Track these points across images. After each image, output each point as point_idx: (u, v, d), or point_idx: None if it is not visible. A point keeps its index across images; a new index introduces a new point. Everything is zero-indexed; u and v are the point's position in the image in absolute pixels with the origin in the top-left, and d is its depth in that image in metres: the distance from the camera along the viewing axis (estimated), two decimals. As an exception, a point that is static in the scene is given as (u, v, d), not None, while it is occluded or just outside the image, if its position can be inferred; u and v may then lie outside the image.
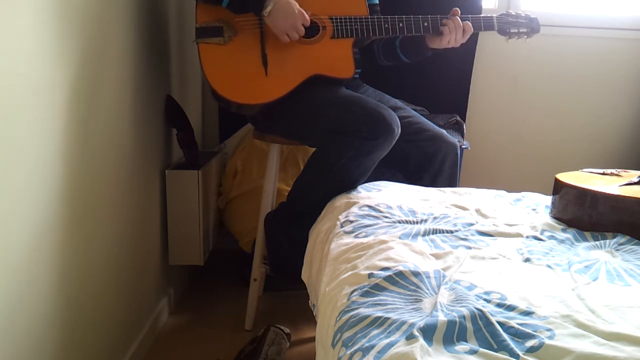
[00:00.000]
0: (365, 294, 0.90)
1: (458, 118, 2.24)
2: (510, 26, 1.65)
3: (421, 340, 0.74)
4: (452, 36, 1.58)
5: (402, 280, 0.93)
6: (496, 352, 0.74)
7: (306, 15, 1.50)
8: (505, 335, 0.77)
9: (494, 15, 1.64)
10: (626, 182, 1.29)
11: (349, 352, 0.77)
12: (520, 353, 0.73)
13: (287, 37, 1.49)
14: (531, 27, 1.67)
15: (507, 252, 1.09)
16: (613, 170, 1.41)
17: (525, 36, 1.67)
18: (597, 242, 1.16)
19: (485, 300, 0.88)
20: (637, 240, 1.15)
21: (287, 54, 1.53)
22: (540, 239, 1.18)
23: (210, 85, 1.51)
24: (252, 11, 1.49)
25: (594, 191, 1.22)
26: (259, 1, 1.45)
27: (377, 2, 1.75)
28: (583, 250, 1.12)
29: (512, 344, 0.75)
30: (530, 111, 2.49)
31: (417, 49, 1.70)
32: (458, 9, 1.60)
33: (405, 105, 1.76)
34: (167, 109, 1.80)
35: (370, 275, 0.95)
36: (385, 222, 1.24)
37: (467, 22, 1.59)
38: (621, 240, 1.15)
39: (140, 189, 1.57)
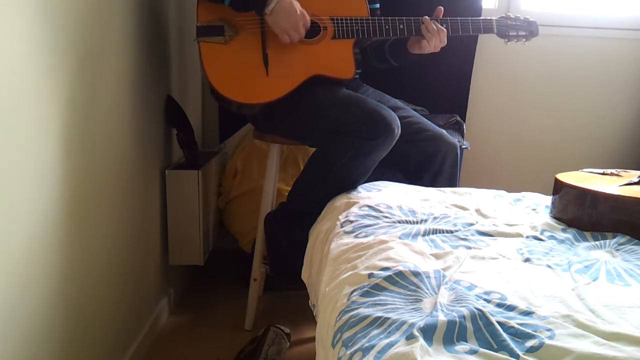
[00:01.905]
0: (365, 294, 0.90)
1: (458, 118, 2.24)
2: (510, 29, 1.66)
3: (421, 340, 0.74)
4: (435, 41, 1.58)
5: (402, 280, 0.93)
6: (496, 352, 0.74)
7: (307, 17, 1.49)
8: (505, 335, 0.77)
9: (494, 18, 1.65)
10: (626, 182, 1.29)
11: (349, 352, 0.77)
12: (520, 353, 0.73)
13: (287, 37, 1.49)
14: (530, 30, 1.67)
15: (507, 252, 1.10)
16: (613, 170, 1.41)
17: (524, 39, 1.68)
18: (597, 242, 1.16)
19: (485, 300, 0.88)
20: (637, 240, 1.15)
21: (288, 54, 1.53)
22: (540, 239, 1.18)
23: (210, 84, 1.51)
24: (254, 9, 1.48)
25: (594, 191, 1.22)
26: (262, 2, 1.45)
27: (378, 6, 1.75)
28: (583, 250, 1.12)
29: (512, 344, 0.75)
30: (530, 111, 2.49)
31: (402, 54, 1.71)
32: (442, 8, 1.59)
33: (405, 105, 1.77)
34: (167, 109, 1.80)
35: (370, 275, 0.95)
36: (385, 222, 1.24)
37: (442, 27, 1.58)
38: (621, 240, 1.15)
39: (140, 189, 1.57)
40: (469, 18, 1.61)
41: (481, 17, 1.65)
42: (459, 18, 1.60)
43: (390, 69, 1.91)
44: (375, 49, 1.80)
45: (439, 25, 1.57)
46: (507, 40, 1.68)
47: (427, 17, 1.58)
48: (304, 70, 1.54)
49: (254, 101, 1.54)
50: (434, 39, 1.57)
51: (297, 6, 1.47)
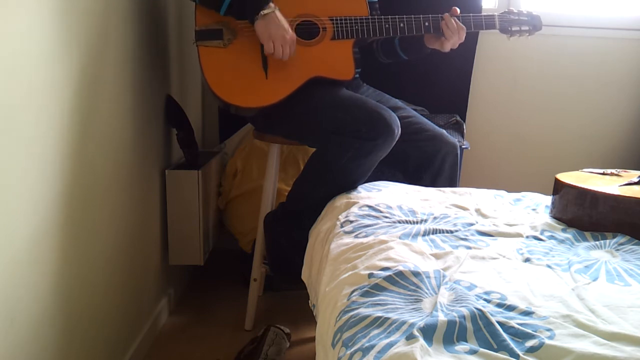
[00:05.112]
0: (365, 294, 0.90)
1: (458, 118, 2.24)
2: (512, 24, 1.65)
3: (421, 340, 0.74)
4: (455, 39, 1.58)
5: (402, 280, 0.93)
6: (496, 352, 0.74)
7: (295, 43, 1.49)
8: (505, 335, 0.77)
9: (496, 13, 1.64)
10: (626, 182, 1.29)
11: (349, 352, 0.77)
12: (520, 353, 0.73)
13: (272, 46, 1.47)
14: (533, 24, 1.66)
15: (507, 252, 1.10)
16: (613, 170, 1.41)
17: (527, 34, 1.67)
18: (597, 242, 1.16)
19: (485, 300, 0.88)
20: (637, 240, 1.15)
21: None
22: (540, 239, 1.18)
23: (210, 88, 1.50)
24: (248, 19, 1.48)
25: (594, 191, 1.22)
26: (256, 9, 1.45)
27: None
28: (583, 250, 1.12)
29: (512, 344, 0.75)
30: (530, 111, 2.49)
31: (416, 48, 1.71)
32: (457, 8, 1.59)
33: (405, 105, 1.76)
34: (167, 109, 1.80)
35: (370, 275, 0.95)
36: (385, 222, 1.24)
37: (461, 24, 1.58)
38: (621, 240, 1.15)
39: (140, 189, 1.57)
40: (471, 14, 1.61)
41: (483, 14, 1.65)
42: (460, 14, 1.60)
43: (391, 68, 1.90)
44: (382, 45, 1.80)
45: (460, 23, 1.57)
46: (509, 35, 1.67)
47: (447, 14, 1.58)
48: (303, 72, 1.54)
49: (253, 105, 1.53)
50: (454, 36, 1.57)
51: (289, 29, 1.47)
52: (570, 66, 2.44)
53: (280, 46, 1.47)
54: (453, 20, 1.56)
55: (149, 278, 1.71)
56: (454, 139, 1.69)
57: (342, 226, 1.25)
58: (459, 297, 0.88)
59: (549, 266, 1.03)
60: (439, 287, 0.92)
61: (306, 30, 1.53)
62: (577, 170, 1.46)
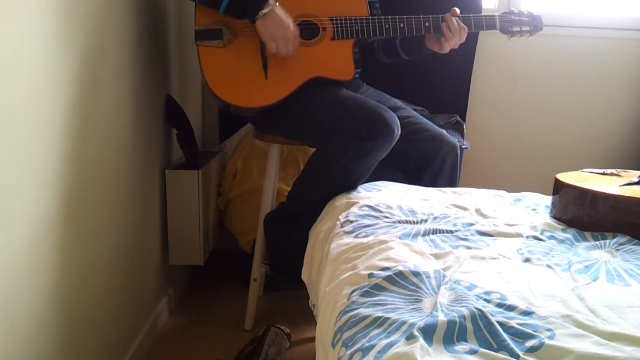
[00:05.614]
0: (365, 294, 0.90)
1: (458, 118, 2.24)
2: (513, 24, 1.65)
3: (421, 340, 0.74)
4: (455, 40, 1.58)
5: (402, 280, 0.93)
6: (496, 352, 0.74)
7: (297, 41, 1.49)
8: (505, 335, 0.77)
9: (496, 14, 1.64)
10: (626, 182, 1.29)
11: (349, 352, 0.77)
12: (520, 353, 0.73)
13: (275, 45, 1.47)
14: (534, 25, 1.66)
15: (507, 252, 1.10)
16: (613, 170, 1.41)
17: (528, 34, 1.67)
18: (597, 242, 1.16)
19: (485, 300, 0.88)
20: (637, 240, 1.15)
21: (286, 57, 1.53)
22: (540, 239, 1.18)
23: (209, 88, 1.50)
24: (248, 18, 1.48)
25: (594, 191, 1.22)
26: (256, 8, 1.44)
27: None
28: (583, 250, 1.12)
29: (512, 344, 0.75)
30: (530, 111, 2.49)
31: (417, 48, 1.71)
32: (457, 8, 1.59)
33: (405, 105, 1.76)
34: (167, 109, 1.80)
35: (370, 275, 0.95)
36: (385, 222, 1.24)
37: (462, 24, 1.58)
38: (621, 240, 1.15)
39: (140, 189, 1.57)
40: (471, 14, 1.61)
41: (484, 14, 1.65)
42: (460, 15, 1.60)
43: (391, 68, 1.90)
44: (383, 45, 1.80)
45: (461, 24, 1.57)
46: (510, 36, 1.67)
47: (448, 14, 1.58)
48: (303, 72, 1.54)
49: (252, 105, 1.53)
50: (455, 37, 1.57)
51: (291, 24, 1.47)
52: (570, 66, 2.44)
53: (283, 45, 1.47)
54: (454, 20, 1.56)
55: (149, 278, 1.71)
56: (454, 139, 1.69)
57: (342, 226, 1.25)
58: (459, 297, 0.88)
59: (549, 266, 1.03)
60: (439, 287, 0.92)
61: (306, 31, 1.53)
62: (577, 170, 1.46)
